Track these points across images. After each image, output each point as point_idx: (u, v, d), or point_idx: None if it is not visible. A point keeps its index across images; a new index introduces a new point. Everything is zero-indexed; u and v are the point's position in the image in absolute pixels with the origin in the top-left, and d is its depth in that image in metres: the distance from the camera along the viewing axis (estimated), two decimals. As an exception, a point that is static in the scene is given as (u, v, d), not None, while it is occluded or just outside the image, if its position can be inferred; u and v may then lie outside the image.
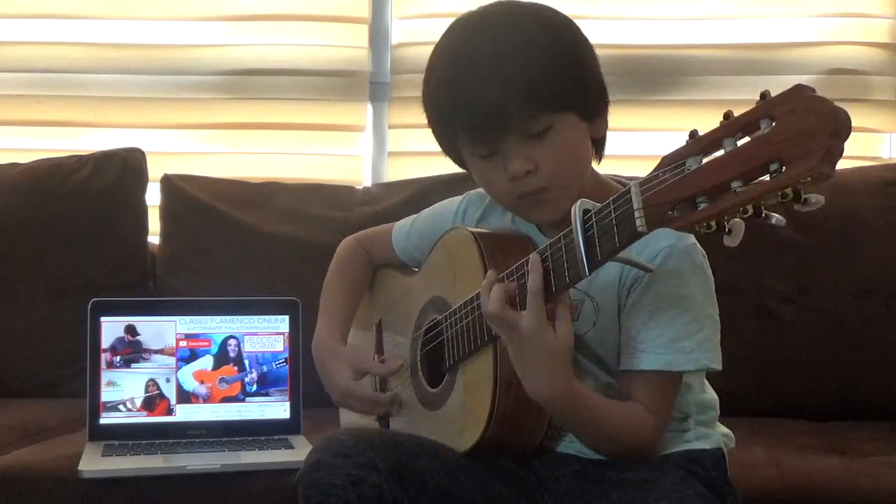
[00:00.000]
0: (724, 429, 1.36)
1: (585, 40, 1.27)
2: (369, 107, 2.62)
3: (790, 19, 2.50)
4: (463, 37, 1.25)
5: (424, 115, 1.31)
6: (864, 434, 1.87)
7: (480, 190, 1.42)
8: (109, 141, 2.50)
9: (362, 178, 2.61)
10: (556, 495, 1.27)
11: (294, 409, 1.84)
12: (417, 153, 2.53)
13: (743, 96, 2.44)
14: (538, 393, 1.16)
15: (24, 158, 2.41)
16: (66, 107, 2.63)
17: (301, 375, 1.84)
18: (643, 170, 1.17)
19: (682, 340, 1.22)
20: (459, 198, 1.48)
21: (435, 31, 2.32)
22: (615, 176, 1.36)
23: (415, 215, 1.56)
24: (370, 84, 2.61)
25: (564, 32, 1.26)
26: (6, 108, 2.63)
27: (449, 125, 1.27)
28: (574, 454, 1.29)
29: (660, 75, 2.52)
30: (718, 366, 1.26)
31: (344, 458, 1.16)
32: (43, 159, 2.39)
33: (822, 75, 2.47)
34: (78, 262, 2.26)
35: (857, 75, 2.46)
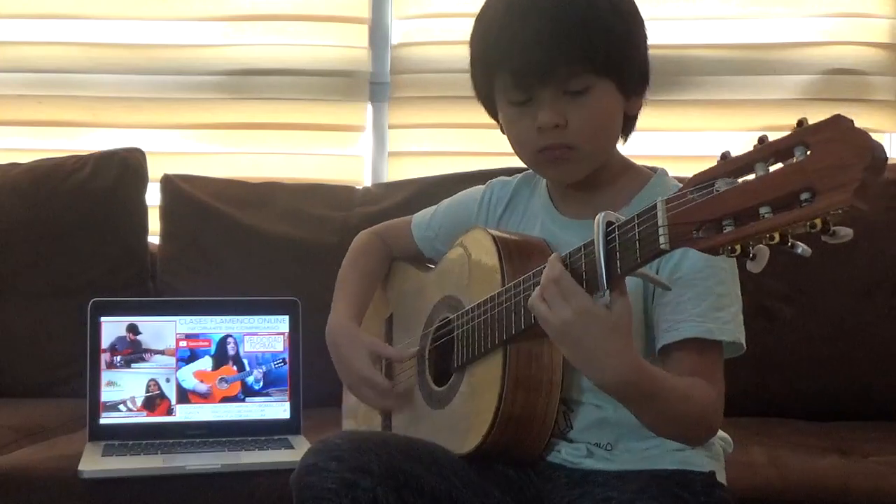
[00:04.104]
0: (721, 432, 1.33)
1: (641, 17, 1.31)
2: (369, 107, 2.62)
3: (790, 19, 2.50)
4: None
5: (469, 53, 1.32)
6: (864, 434, 1.87)
7: (503, 178, 1.44)
8: (109, 141, 2.50)
9: (362, 178, 2.61)
10: None
11: (294, 409, 1.84)
12: (417, 153, 2.52)
13: (743, 96, 2.45)
14: (605, 379, 1.09)
15: (24, 158, 2.41)
16: (66, 107, 2.63)
17: (301, 375, 1.84)
18: (643, 170, 1.18)
19: (718, 311, 1.20)
20: (482, 187, 1.48)
21: (435, 31, 2.33)
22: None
23: (434, 206, 1.55)
24: (370, 84, 2.60)
25: (626, 4, 1.29)
26: (6, 108, 2.62)
27: (491, 67, 1.27)
28: (560, 464, 1.27)
29: (660, 75, 2.50)
30: (744, 345, 1.23)
31: (338, 462, 1.16)
32: (43, 159, 2.39)
33: (822, 75, 2.47)
34: (78, 262, 2.26)
35: (857, 75, 2.46)
